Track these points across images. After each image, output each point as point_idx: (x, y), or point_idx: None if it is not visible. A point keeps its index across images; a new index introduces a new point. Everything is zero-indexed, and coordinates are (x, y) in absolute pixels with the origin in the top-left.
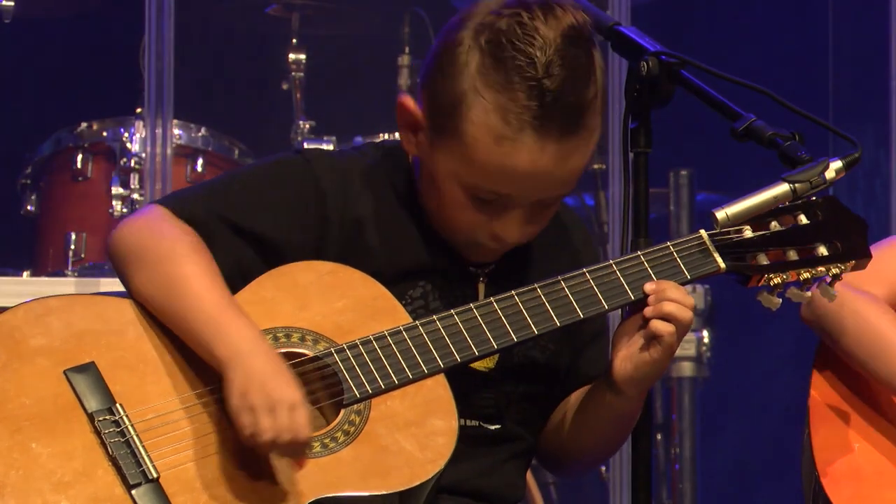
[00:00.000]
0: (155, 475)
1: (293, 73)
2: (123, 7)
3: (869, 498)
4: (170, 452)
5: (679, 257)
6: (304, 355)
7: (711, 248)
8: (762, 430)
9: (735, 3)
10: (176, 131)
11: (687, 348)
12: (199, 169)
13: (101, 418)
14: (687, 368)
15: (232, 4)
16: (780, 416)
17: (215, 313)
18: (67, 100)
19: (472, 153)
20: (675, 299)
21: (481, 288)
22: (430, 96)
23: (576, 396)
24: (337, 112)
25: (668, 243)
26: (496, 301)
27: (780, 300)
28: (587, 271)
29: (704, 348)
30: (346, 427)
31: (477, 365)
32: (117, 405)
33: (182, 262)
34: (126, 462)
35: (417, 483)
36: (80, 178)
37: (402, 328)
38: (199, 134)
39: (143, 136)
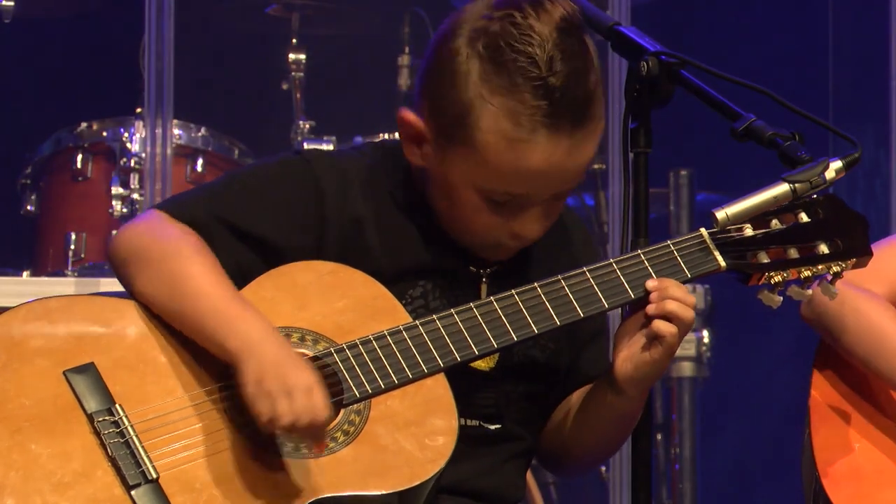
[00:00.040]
0: (154, 476)
1: (293, 73)
2: (123, 7)
3: (869, 498)
4: (169, 453)
5: (679, 256)
6: (304, 355)
7: (712, 246)
8: (762, 430)
9: (735, 3)
10: (176, 131)
11: (687, 348)
12: (199, 169)
13: (100, 419)
14: (687, 368)
15: (232, 4)
16: (780, 416)
17: (223, 307)
18: (67, 100)
19: (485, 159)
20: (677, 298)
21: (483, 288)
22: (433, 108)
23: (576, 396)
24: (337, 112)
25: (669, 242)
26: (496, 300)
27: (781, 298)
28: (587, 270)
29: (704, 348)
30: (345, 427)
31: (477, 364)
32: (117, 406)
33: (186, 260)
34: (125, 462)
35: (417, 483)
36: (80, 178)
37: (402, 328)
38: (199, 134)
39: (143, 136)
